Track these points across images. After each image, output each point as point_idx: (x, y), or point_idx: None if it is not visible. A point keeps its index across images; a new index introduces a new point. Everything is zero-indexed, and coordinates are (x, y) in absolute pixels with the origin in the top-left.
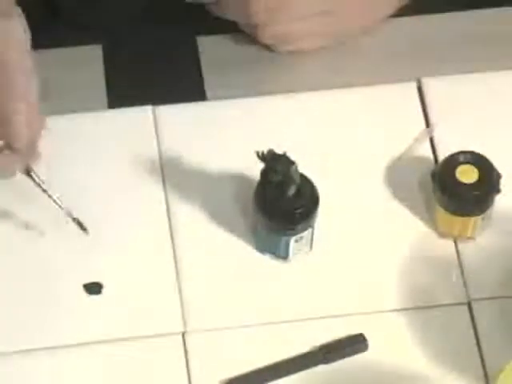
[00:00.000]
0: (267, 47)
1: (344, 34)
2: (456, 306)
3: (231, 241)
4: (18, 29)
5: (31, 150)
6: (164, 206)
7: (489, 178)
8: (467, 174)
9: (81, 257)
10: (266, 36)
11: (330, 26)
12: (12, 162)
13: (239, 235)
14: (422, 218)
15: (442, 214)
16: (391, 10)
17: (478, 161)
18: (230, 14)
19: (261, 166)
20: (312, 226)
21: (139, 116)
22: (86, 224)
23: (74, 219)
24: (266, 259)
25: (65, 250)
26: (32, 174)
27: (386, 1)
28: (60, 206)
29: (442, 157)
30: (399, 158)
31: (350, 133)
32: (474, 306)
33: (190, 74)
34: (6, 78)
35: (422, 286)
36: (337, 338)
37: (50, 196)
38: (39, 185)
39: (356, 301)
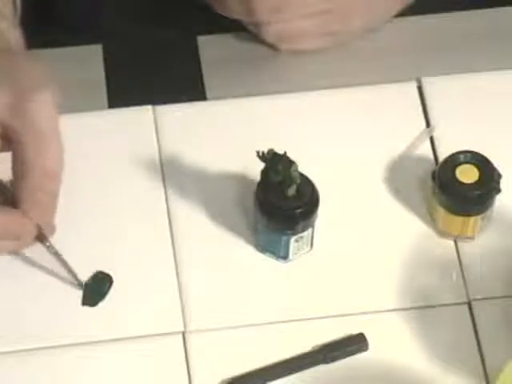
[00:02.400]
0: (268, 46)
1: (346, 34)
2: (456, 306)
3: (231, 241)
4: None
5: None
6: (164, 206)
7: (489, 178)
8: (467, 174)
9: (80, 256)
10: (268, 34)
11: (333, 26)
12: (28, 231)
13: (239, 235)
14: (421, 218)
15: (442, 213)
16: (395, 11)
17: (478, 161)
18: (233, 12)
19: (261, 165)
20: (312, 226)
21: (139, 116)
22: (84, 224)
23: (82, 287)
24: (266, 259)
25: (64, 250)
26: (47, 243)
27: (389, 1)
28: (75, 276)
29: (442, 157)
30: (399, 158)
31: (350, 133)
32: (474, 306)
33: (190, 74)
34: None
35: (422, 286)
36: (337, 338)
37: (65, 264)
38: (55, 253)
39: (356, 301)
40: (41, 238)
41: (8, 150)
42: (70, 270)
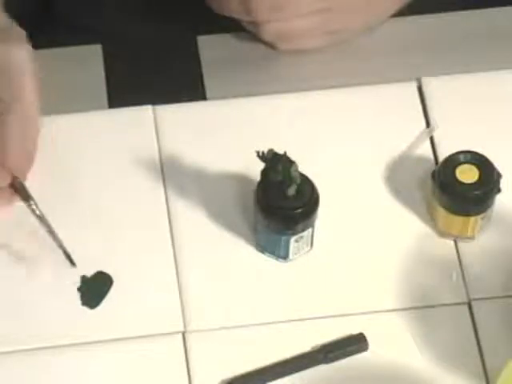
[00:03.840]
0: (268, 46)
1: (345, 32)
2: (456, 306)
3: (231, 241)
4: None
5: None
6: (164, 206)
7: (489, 178)
8: (467, 174)
9: (80, 256)
10: (267, 33)
11: (332, 25)
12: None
13: (239, 235)
14: (421, 218)
15: (442, 213)
16: (394, 10)
17: (478, 161)
18: (232, 11)
19: (261, 165)
20: (312, 226)
21: (139, 116)
22: (84, 224)
23: (65, 252)
24: (266, 259)
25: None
26: (31, 202)
27: (388, 0)
28: (57, 239)
29: (442, 157)
30: (399, 158)
31: (349, 133)
32: (474, 306)
33: (190, 74)
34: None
35: (422, 286)
36: (337, 338)
37: (47, 226)
38: (40, 216)
39: (356, 301)
40: (23, 195)
41: None
42: (56, 238)
